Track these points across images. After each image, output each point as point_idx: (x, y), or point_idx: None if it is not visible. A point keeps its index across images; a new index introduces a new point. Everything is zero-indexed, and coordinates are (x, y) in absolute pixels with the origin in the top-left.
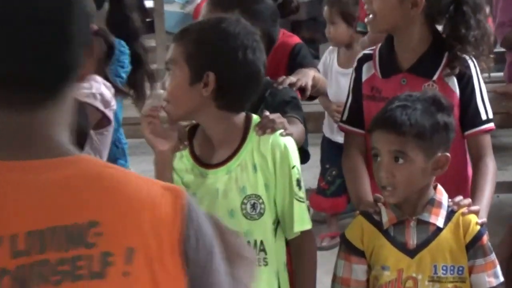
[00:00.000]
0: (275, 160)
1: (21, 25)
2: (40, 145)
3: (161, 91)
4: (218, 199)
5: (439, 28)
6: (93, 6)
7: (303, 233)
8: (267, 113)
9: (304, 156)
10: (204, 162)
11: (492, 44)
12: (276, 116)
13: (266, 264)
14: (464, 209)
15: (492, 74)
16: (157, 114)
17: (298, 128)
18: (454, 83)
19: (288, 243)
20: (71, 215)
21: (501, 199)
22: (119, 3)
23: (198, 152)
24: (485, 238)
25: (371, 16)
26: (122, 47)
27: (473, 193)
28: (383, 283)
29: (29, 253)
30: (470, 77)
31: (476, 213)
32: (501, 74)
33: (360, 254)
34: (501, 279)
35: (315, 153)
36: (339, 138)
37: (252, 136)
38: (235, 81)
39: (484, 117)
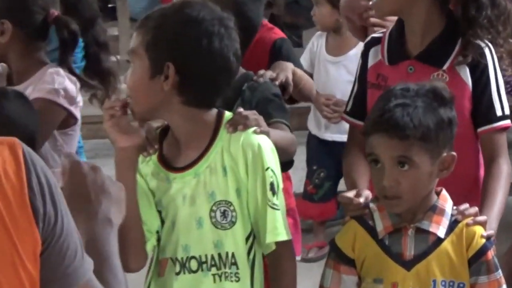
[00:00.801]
0: (247, 162)
1: None
2: None
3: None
4: (184, 206)
5: None
6: None
7: (279, 245)
8: (241, 109)
9: (287, 165)
10: (171, 165)
11: (511, 25)
12: (250, 113)
13: (237, 280)
14: (469, 220)
15: None
16: (120, 107)
17: (286, 135)
18: (466, 74)
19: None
20: None
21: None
22: None
23: (167, 154)
24: (491, 253)
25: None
26: None
27: (483, 198)
28: None
29: None
30: (485, 66)
31: (483, 224)
32: None
33: (351, 263)
34: None
35: (301, 153)
36: (328, 135)
37: (223, 134)
38: (199, 73)
39: (499, 112)
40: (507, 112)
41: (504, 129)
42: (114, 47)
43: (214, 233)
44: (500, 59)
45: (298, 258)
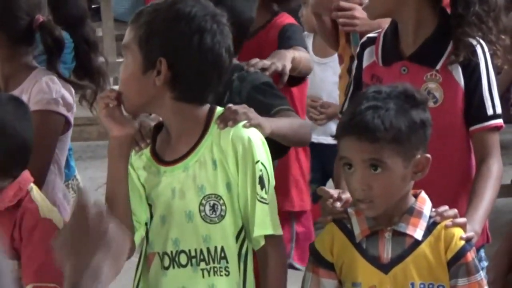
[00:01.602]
0: (237, 155)
1: None
2: None
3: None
4: (174, 199)
5: None
6: None
7: (268, 239)
8: (231, 104)
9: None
10: (162, 159)
11: (502, 20)
12: (240, 107)
13: (227, 274)
14: (448, 221)
15: None
16: (115, 96)
17: (293, 122)
18: (459, 73)
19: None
20: None
21: (498, 205)
22: None
23: (159, 148)
24: (470, 255)
25: (367, 1)
26: (65, 40)
27: (470, 198)
28: None
29: None
30: (477, 65)
31: (463, 226)
32: None
33: (329, 267)
34: None
35: None
36: (314, 138)
37: (213, 129)
38: (190, 69)
39: (490, 111)
40: (498, 111)
41: (496, 128)
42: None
43: (204, 227)
44: (493, 56)
45: (302, 268)
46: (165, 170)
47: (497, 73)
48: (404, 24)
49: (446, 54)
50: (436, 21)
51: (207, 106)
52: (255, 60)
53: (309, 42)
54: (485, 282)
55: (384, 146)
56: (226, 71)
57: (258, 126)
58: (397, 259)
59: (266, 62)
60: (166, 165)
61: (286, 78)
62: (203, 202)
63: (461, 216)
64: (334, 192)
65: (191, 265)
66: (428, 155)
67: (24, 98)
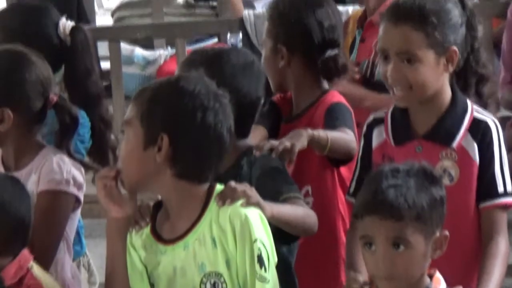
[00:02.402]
0: (235, 233)
1: None
2: None
3: None
4: (176, 277)
5: None
6: (49, 71)
7: None
8: (233, 183)
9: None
10: (162, 238)
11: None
12: (239, 185)
13: None
14: None
15: None
16: (113, 176)
17: (296, 211)
18: (474, 151)
19: None
20: None
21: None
22: (74, 63)
23: (159, 227)
24: None
25: (400, 89)
26: (82, 119)
27: (479, 277)
28: None
29: None
30: (491, 141)
31: None
32: None
33: None
34: None
35: None
36: None
37: (212, 207)
38: (191, 146)
39: (501, 189)
40: (509, 189)
41: (506, 206)
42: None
43: None
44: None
45: None
46: (165, 249)
47: None
48: (420, 102)
49: (461, 132)
50: (451, 96)
51: (206, 184)
52: (262, 142)
53: None
54: None
55: (407, 224)
56: (226, 151)
57: (257, 205)
58: None
59: (274, 143)
60: (167, 244)
61: (293, 156)
62: (204, 280)
63: None
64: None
65: None
66: (447, 232)
67: (34, 177)
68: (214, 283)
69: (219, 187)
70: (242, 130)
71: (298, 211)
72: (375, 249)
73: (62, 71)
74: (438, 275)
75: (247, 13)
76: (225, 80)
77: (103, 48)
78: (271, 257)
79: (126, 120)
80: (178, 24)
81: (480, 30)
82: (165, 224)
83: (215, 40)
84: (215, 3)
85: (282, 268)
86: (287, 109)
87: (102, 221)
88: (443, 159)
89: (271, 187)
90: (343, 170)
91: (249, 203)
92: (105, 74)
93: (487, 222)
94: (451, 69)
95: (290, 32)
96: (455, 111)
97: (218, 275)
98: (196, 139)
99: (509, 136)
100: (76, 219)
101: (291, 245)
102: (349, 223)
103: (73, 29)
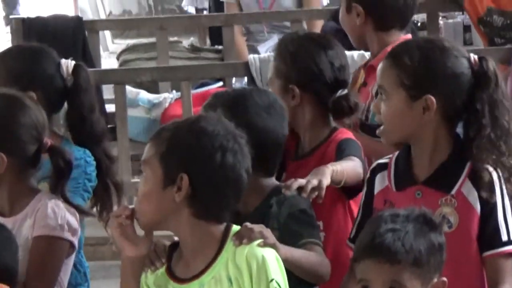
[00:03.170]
0: (251, 273)
1: None
2: None
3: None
4: None
5: None
6: (43, 115)
7: None
8: (249, 224)
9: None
10: (178, 277)
11: None
12: (256, 226)
13: None
14: None
15: None
16: (128, 215)
17: (310, 257)
18: (475, 198)
19: None
20: None
21: None
22: (78, 101)
23: (174, 266)
24: None
25: (382, 127)
26: (88, 157)
27: None
28: None
29: None
30: (493, 190)
31: None
32: None
33: None
34: None
35: None
36: None
37: (229, 246)
38: (211, 186)
39: (505, 237)
40: None
41: (510, 254)
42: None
43: None
44: (507, 180)
45: None
46: None
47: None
48: (420, 148)
49: (461, 179)
50: (451, 146)
51: (223, 224)
52: (291, 181)
53: None
54: None
55: (404, 269)
56: (243, 191)
57: (273, 246)
58: None
59: (302, 181)
60: (181, 283)
61: (322, 192)
62: None
63: None
64: None
65: None
66: (445, 279)
67: (29, 221)
68: None
69: (235, 227)
70: (268, 169)
71: (312, 258)
72: None
73: (63, 110)
74: None
75: (252, 57)
76: (250, 119)
77: (108, 91)
78: None
79: (144, 160)
80: (183, 68)
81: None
82: (180, 263)
83: (220, 84)
84: (220, 47)
85: None
86: (291, 146)
87: (106, 264)
88: (442, 205)
89: (295, 229)
90: (353, 205)
91: (265, 243)
92: (110, 117)
93: (491, 270)
94: (430, 116)
95: (303, 72)
96: (455, 158)
97: None
98: (216, 179)
99: None
100: (70, 264)
101: None
102: None
103: (75, 67)
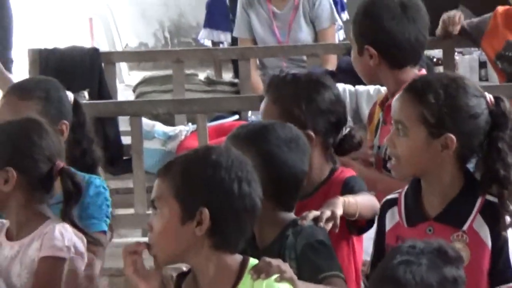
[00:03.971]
0: None
1: None
2: None
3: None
4: None
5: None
6: (60, 141)
7: None
8: (267, 258)
9: None
10: None
11: None
12: (274, 260)
13: None
14: None
15: None
16: (141, 251)
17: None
18: (486, 233)
19: None
20: None
21: None
22: (76, 136)
23: None
24: None
25: (393, 160)
26: (105, 185)
27: None
28: None
29: None
30: (504, 225)
31: None
32: None
33: None
34: None
35: None
36: None
37: (246, 279)
38: (231, 217)
39: None
40: None
41: None
42: (129, 199)
43: None
44: None
45: None
46: None
47: None
48: (431, 184)
49: (473, 215)
50: (462, 182)
51: (239, 257)
52: (305, 213)
53: None
54: None
55: None
56: (257, 218)
57: (291, 281)
58: None
59: (316, 212)
60: None
61: (337, 221)
62: None
63: None
64: None
65: None
66: None
67: (36, 244)
68: None
69: (253, 260)
70: (287, 203)
71: None
72: None
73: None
74: None
75: None
76: (271, 152)
77: (124, 123)
78: None
79: (157, 196)
80: (199, 100)
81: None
82: None
83: (236, 117)
84: (236, 80)
85: None
86: None
87: None
88: (454, 241)
89: (313, 262)
90: (356, 242)
91: (283, 278)
92: (126, 149)
93: None
94: (447, 154)
95: (311, 115)
96: (466, 194)
97: None
98: (235, 210)
99: None
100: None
101: None
102: None
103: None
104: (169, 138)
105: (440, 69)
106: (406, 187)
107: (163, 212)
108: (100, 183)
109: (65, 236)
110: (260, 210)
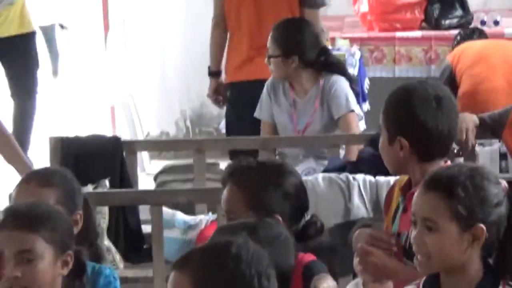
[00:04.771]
0: None
1: None
2: None
3: None
4: None
5: None
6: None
7: None
8: None
9: None
10: None
11: None
12: None
13: None
14: None
15: None
16: None
17: None
18: None
19: None
20: None
21: None
22: (87, 226)
23: None
24: None
25: (422, 257)
26: (115, 274)
27: None
28: None
29: None
30: None
31: None
32: None
33: None
34: None
35: None
36: None
37: None
38: None
39: None
40: None
41: None
42: None
43: None
44: None
45: None
46: None
47: None
48: (455, 276)
49: None
50: (482, 271)
51: None
52: None
53: None
54: None
55: None
56: None
57: None
58: None
59: None
60: None
61: None
62: None
63: None
64: None
65: None
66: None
67: None
68: None
69: None
70: None
71: None
72: None
73: None
74: None
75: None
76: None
77: (144, 211)
78: None
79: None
80: (219, 190)
81: None
82: None
83: None
84: None
85: None
86: None
87: None
88: None
89: None
90: None
91: None
92: (146, 238)
93: None
94: (477, 246)
95: (278, 200)
96: (487, 284)
97: None
98: None
99: None
100: None
101: None
102: None
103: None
104: (189, 227)
105: (461, 160)
106: (423, 279)
107: None
108: (110, 272)
109: None
110: None
